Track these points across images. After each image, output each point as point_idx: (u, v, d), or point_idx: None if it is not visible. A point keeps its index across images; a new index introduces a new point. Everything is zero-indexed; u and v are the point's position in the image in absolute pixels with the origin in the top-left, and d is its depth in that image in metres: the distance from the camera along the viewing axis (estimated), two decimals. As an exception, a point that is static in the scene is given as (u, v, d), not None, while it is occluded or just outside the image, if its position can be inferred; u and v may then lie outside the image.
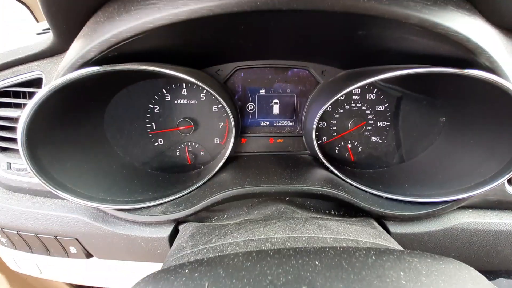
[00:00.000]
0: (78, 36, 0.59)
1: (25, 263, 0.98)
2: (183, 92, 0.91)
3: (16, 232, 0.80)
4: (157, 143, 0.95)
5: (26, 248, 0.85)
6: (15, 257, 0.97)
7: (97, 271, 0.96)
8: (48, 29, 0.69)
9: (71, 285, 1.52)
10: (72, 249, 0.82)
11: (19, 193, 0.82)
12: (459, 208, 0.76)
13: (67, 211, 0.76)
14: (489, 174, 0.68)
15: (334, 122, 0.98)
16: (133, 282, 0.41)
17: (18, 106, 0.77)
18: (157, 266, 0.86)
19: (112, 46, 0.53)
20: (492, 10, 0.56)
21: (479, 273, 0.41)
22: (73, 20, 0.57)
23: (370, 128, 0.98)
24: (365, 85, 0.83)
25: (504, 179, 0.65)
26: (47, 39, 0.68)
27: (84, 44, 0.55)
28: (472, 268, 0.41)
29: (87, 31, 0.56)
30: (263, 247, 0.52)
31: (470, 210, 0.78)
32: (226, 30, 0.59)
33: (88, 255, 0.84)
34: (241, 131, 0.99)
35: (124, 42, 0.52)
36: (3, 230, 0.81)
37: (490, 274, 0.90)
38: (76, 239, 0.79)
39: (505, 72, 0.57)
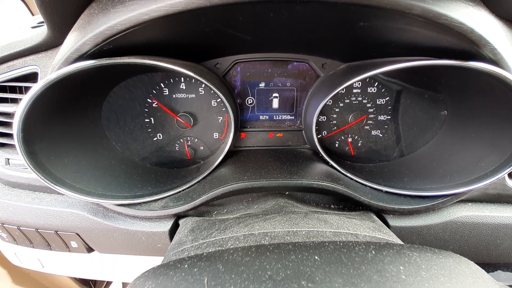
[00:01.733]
0: (72, 29, 0.58)
1: (26, 257, 0.99)
2: (181, 86, 0.90)
3: (16, 227, 0.80)
4: (156, 138, 0.94)
5: (27, 243, 0.86)
6: (16, 252, 0.97)
7: (98, 265, 0.96)
8: (43, 22, 0.67)
9: (74, 278, 1.54)
10: (73, 244, 0.82)
11: (19, 188, 0.82)
12: (458, 201, 0.76)
13: (67, 206, 0.76)
14: (490, 168, 0.67)
15: (334, 116, 0.97)
16: (135, 275, 0.41)
17: (15, 101, 0.76)
18: (158, 260, 0.87)
19: (107, 39, 0.52)
20: (496, 1, 0.55)
21: (478, 267, 0.41)
22: (67, 12, 0.55)
23: (370, 122, 0.98)
24: (366, 78, 0.82)
25: (504, 173, 0.65)
26: (42, 33, 0.67)
27: (79, 37, 0.54)
28: (472, 262, 0.41)
29: (81, 23, 0.55)
30: (263, 242, 0.52)
31: (470, 204, 0.78)
32: (224, 22, 0.58)
33: (89, 250, 0.85)
34: (240, 126, 0.98)
35: (119, 35, 0.51)
36: (4, 225, 0.82)
37: (489, 266, 0.91)
38: (77, 234, 0.79)
39: (508, 64, 0.56)
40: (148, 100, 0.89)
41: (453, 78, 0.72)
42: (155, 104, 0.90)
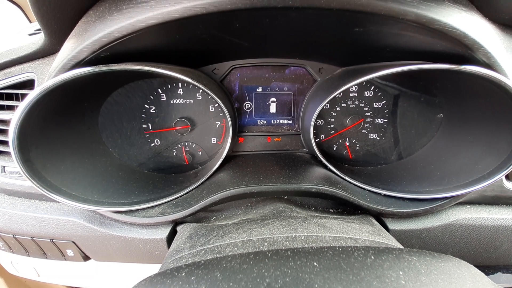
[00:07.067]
0: (69, 36, 0.58)
1: (22, 266, 0.97)
2: (179, 92, 0.90)
3: (12, 235, 0.79)
4: (153, 144, 0.94)
5: (23, 252, 0.84)
6: (12, 260, 0.96)
7: (95, 273, 0.95)
8: (40, 29, 0.67)
9: (70, 287, 1.52)
10: (69, 252, 0.81)
11: (14, 196, 0.81)
12: (457, 204, 0.76)
13: (63, 214, 0.75)
14: (487, 170, 0.68)
15: (332, 120, 0.97)
16: (132, 283, 0.41)
17: (11, 108, 0.75)
18: (155, 268, 0.85)
19: (104, 46, 0.52)
20: (489, 5, 0.56)
21: (478, 270, 0.40)
22: (64, 19, 0.55)
23: (368, 125, 0.98)
24: (362, 82, 0.82)
25: (502, 175, 0.65)
26: (39, 40, 0.67)
27: (76, 45, 0.54)
28: (471, 265, 0.41)
29: (78, 31, 0.55)
30: (262, 248, 0.51)
31: (468, 206, 0.78)
32: (221, 28, 0.58)
33: (86, 258, 0.84)
34: (238, 130, 0.98)
35: (116, 42, 0.51)
36: (-1, 234, 0.81)
37: (489, 269, 0.91)
38: (73, 242, 0.78)
39: (502, 67, 0.57)
40: (146, 105, 0.89)
41: (448, 81, 0.73)
42: (153, 110, 0.90)
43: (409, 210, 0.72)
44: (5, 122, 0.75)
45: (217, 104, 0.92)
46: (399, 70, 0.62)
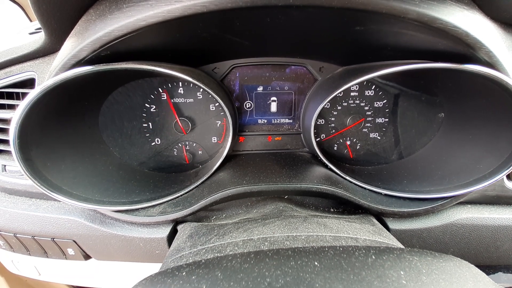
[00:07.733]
0: (70, 35, 0.58)
1: (23, 265, 0.97)
2: (179, 91, 0.90)
3: (13, 234, 0.79)
4: (154, 143, 0.94)
5: (24, 251, 0.84)
6: (13, 259, 0.96)
7: (96, 272, 0.95)
8: (40, 28, 0.67)
9: (71, 286, 1.52)
10: (70, 251, 0.81)
11: (15, 195, 0.81)
12: (458, 203, 0.76)
13: (64, 213, 0.75)
14: (488, 169, 0.67)
15: (333, 119, 0.97)
16: (133, 282, 0.41)
17: (12, 107, 0.76)
18: (156, 267, 0.86)
19: (104, 45, 0.52)
20: (491, 4, 0.56)
21: (479, 270, 0.40)
22: (64, 18, 0.55)
23: (368, 124, 0.98)
24: (363, 81, 0.82)
25: (503, 175, 0.65)
26: (39, 39, 0.67)
27: (76, 43, 0.54)
28: (472, 265, 0.41)
29: (78, 29, 0.55)
30: (262, 247, 0.51)
31: (469, 206, 0.78)
32: (221, 27, 0.58)
33: (86, 257, 0.84)
34: (239, 130, 0.98)
35: (116, 41, 0.51)
36: (0, 232, 0.81)
37: (489, 268, 0.90)
38: (74, 241, 0.78)
39: (504, 66, 0.57)
40: (146, 105, 0.89)
41: (450, 81, 0.73)
42: (153, 109, 0.90)
43: (410, 209, 0.72)
44: (5, 121, 0.75)
45: (217, 103, 0.92)
46: (400, 69, 0.62)
